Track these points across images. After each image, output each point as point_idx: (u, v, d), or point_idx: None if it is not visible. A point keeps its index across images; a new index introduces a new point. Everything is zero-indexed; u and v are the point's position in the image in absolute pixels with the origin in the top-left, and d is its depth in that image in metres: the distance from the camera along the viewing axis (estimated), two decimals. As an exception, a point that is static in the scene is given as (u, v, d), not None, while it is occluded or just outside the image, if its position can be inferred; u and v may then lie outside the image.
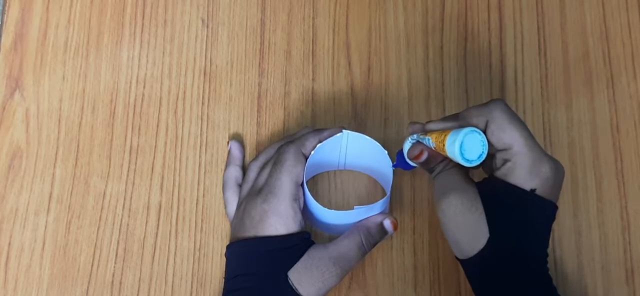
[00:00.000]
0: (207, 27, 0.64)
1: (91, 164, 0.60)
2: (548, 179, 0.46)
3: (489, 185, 0.48)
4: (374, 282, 0.57)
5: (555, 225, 0.58)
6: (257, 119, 0.62)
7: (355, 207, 0.53)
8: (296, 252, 0.51)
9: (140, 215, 0.59)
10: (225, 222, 0.59)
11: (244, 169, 0.58)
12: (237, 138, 0.61)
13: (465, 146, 0.45)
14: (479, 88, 0.62)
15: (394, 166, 0.54)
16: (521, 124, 0.47)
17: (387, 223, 0.54)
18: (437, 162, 0.51)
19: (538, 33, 0.64)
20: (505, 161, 0.47)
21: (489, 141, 0.47)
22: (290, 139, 0.57)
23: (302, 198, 0.54)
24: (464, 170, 0.50)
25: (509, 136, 0.46)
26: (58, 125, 0.61)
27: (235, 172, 0.57)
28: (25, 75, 0.62)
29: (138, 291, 0.57)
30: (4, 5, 0.64)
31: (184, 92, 0.62)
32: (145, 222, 0.59)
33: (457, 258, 0.49)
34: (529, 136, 0.47)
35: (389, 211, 0.57)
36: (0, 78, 0.62)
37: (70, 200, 0.59)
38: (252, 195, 0.53)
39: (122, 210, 0.59)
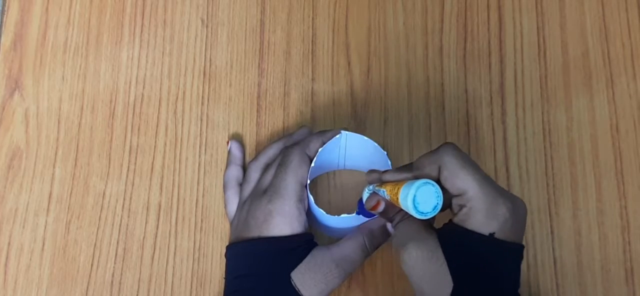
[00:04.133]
0: (207, 27, 0.64)
1: (91, 164, 0.60)
2: (506, 221, 0.44)
3: (448, 232, 0.47)
4: (374, 282, 0.57)
5: (555, 225, 0.58)
6: (257, 119, 0.62)
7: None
8: (300, 253, 0.51)
9: (140, 215, 0.59)
10: (225, 222, 0.59)
11: (244, 169, 0.58)
12: (237, 138, 0.61)
13: (419, 199, 0.44)
14: (479, 88, 0.62)
15: (356, 213, 0.53)
16: (473, 167, 0.46)
17: (390, 226, 0.53)
18: (396, 212, 0.50)
19: (538, 33, 0.64)
20: (461, 206, 0.45)
21: (443, 188, 0.45)
22: (289, 139, 0.57)
23: (306, 200, 0.54)
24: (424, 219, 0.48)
25: (462, 181, 0.45)
26: (58, 125, 0.61)
27: (236, 171, 0.58)
28: (24, 75, 0.62)
29: (137, 291, 0.57)
30: (3, 6, 0.64)
31: (184, 92, 0.62)
32: (144, 222, 0.59)
33: None
34: (483, 179, 0.45)
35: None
36: (0, 78, 0.62)
37: (70, 200, 0.59)
38: (257, 195, 0.53)
39: (122, 210, 0.59)
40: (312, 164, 0.53)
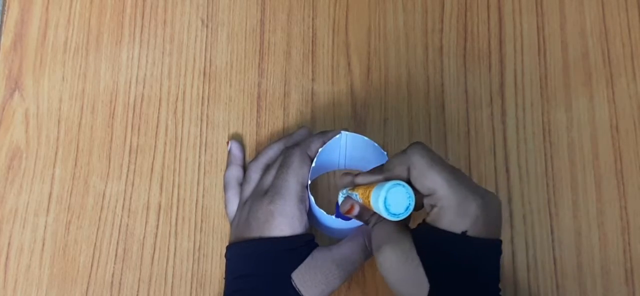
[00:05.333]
0: (207, 27, 0.64)
1: (91, 164, 0.60)
2: (478, 218, 0.44)
3: (421, 232, 0.46)
4: (374, 282, 0.57)
5: (555, 225, 0.58)
6: (257, 119, 0.62)
7: None
8: (300, 254, 0.51)
9: (140, 215, 0.59)
10: (225, 222, 0.59)
11: (245, 169, 0.58)
12: (237, 138, 0.61)
13: (390, 201, 0.44)
14: (479, 88, 0.62)
15: (335, 217, 0.53)
16: (442, 166, 0.45)
17: None
18: (371, 214, 0.49)
19: (538, 33, 0.64)
20: (433, 206, 0.45)
21: (413, 188, 0.45)
22: (289, 139, 0.57)
23: (307, 201, 0.54)
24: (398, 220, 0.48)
25: (431, 180, 0.44)
26: (58, 125, 0.61)
27: (236, 171, 0.58)
28: (24, 75, 0.62)
29: (137, 291, 0.57)
30: (3, 5, 0.64)
31: (184, 92, 0.62)
32: (144, 222, 0.59)
33: None
34: (452, 177, 0.45)
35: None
36: (0, 78, 0.62)
37: (70, 201, 0.59)
38: (258, 196, 0.53)
39: (122, 210, 0.59)
40: (313, 164, 0.53)
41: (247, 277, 0.51)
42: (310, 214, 0.54)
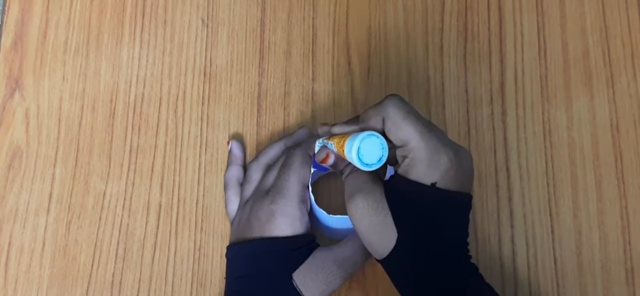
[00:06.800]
0: (207, 27, 0.64)
1: (91, 164, 0.60)
2: (448, 170, 0.44)
3: (392, 183, 0.47)
4: (374, 282, 0.57)
5: (555, 225, 0.58)
6: (257, 119, 0.62)
7: None
8: (301, 254, 0.51)
9: (140, 215, 0.59)
10: (225, 222, 0.59)
11: (245, 169, 0.58)
12: (237, 138, 0.61)
13: (363, 151, 0.44)
14: (479, 88, 0.62)
15: (313, 167, 0.53)
16: (416, 118, 0.45)
17: None
18: (346, 164, 0.50)
19: (538, 33, 0.64)
20: (404, 157, 0.45)
21: (387, 139, 0.46)
22: (289, 139, 0.57)
23: (309, 201, 0.54)
24: (372, 171, 0.48)
25: (404, 132, 0.45)
26: (58, 125, 0.61)
27: (237, 171, 0.58)
28: (25, 75, 0.62)
29: (138, 291, 0.57)
30: (4, 5, 0.64)
31: (184, 92, 0.62)
32: (145, 222, 0.59)
33: (376, 259, 0.48)
34: (426, 129, 0.45)
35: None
36: (0, 78, 0.62)
37: (70, 200, 0.59)
38: (259, 195, 0.53)
39: (122, 210, 0.59)
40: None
41: (247, 277, 0.52)
42: (310, 214, 0.54)
